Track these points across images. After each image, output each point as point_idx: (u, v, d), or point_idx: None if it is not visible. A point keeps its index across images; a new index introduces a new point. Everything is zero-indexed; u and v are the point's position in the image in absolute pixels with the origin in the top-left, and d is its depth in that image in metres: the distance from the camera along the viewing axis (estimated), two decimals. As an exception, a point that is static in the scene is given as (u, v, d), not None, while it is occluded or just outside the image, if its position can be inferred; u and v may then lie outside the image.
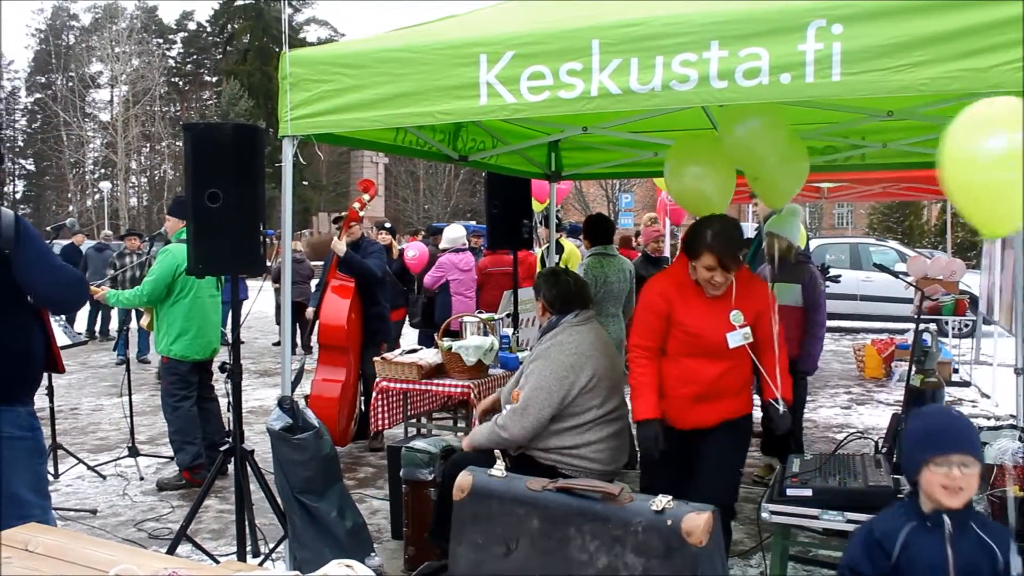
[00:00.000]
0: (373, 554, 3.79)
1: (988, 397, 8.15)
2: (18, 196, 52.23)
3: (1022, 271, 4.22)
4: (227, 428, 5.26)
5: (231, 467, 3.99)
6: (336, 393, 5.95)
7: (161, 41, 52.22)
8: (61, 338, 4.83)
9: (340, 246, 6.01)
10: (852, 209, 39.66)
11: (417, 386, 4.89)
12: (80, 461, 5.72)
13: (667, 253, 9.34)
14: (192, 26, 56.23)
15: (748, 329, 3.31)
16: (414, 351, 5.33)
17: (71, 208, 46.06)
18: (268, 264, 4.01)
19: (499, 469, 2.63)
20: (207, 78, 56.07)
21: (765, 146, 3.65)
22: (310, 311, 7.52)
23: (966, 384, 8.97)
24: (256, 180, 3.57)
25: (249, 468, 3.77)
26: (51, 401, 5.48)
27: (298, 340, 10.02)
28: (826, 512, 2.92)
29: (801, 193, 6.67)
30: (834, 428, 7.08)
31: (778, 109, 3.67)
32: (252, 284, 5.12)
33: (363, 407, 6.26)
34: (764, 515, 3.02)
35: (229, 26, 53.70)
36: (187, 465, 5.35)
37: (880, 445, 3.71)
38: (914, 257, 11.80)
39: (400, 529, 4.19)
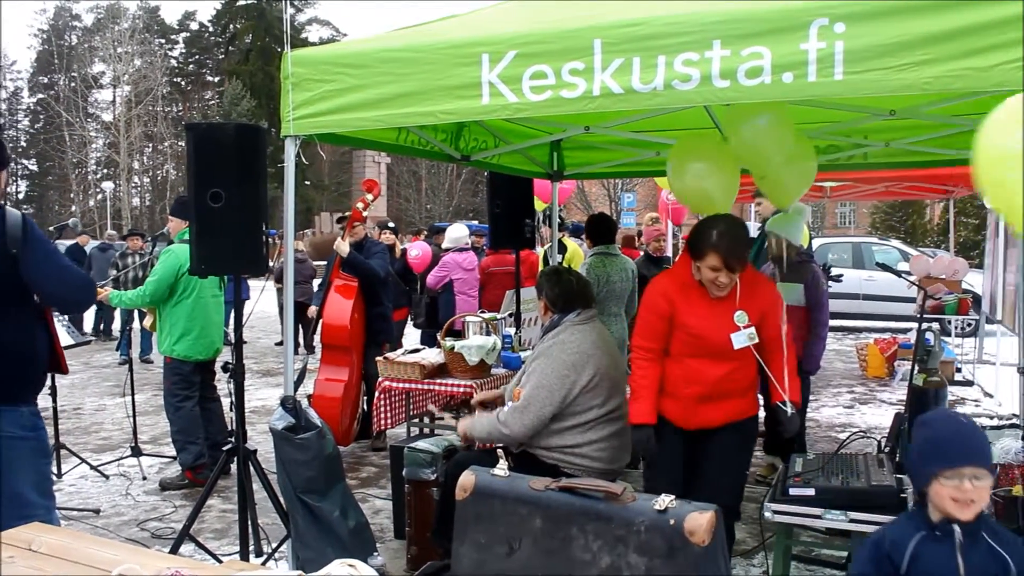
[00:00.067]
0: (376, 554, 3.79)
1: (991, 396, 8.14)
2: (21, 196, 52.31)
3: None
4: (230, 428, 5.27)
5: (234, 467, 3.99)
6: (339, 393, 5.95)
7: (163, 41, 52.32)
8: (65, 338, 4.83)
9: (343, 246, 6.01)
10: (855, 208, 39.66)
11: (420, 386, 4.89)
12: (83, 461, 5.73)
13: (668, 253, 9.33)
14: (194, 26, 56.31)
15: (753, 330, 3.26)
16: (416, 351, 5.33)
17: (74, 208, 46.16)
18: (270, 264, 4.01)
19: (502, 468, 2.63)
20: (209, 78, 56.14)
21: (772, 144, 3.63)
22: (313, 310, 7.53)
23: (969, 383, 8.97)
24: (258, 180, 3.57)
25: (252, 468, 3.77)
26: (54, 401, 5.49)
27: (300, 340, 10.03)
28: (829, 512, 2.91)
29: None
30: (837, 427, 7.07)
31: (783, 108, 3.66)
32: (254, 284, 5.11)
33: (366, 407, 6.26)
34: (767, 514, 3.01)
35: (231, 26, 53.74)
36: (190, 465, 5.36)
37: (883, 444, 3.70)
38: (917, 256, 11.79)
39: (403, 529, 4.19)
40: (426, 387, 4.89)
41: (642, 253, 7.98)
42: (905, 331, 11.09)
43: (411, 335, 8.76)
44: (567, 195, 11.44)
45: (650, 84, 2.70)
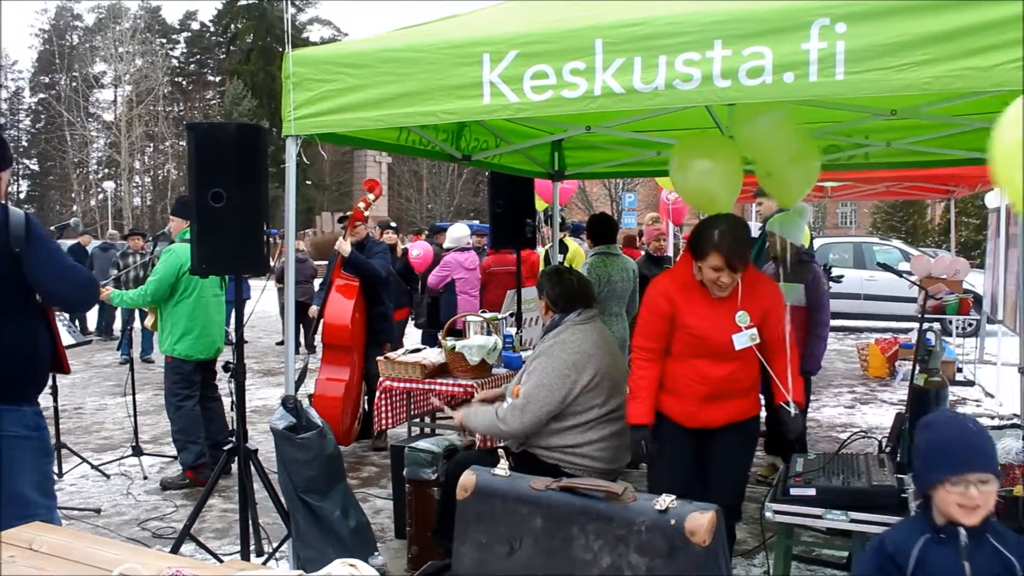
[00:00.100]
0: (376, 553, 3.79)
1: (992, 396, 8.14)
2: (22, 196, 52.36)
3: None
4: (230, 427, 5.27)
5: (235, 466, 3.99)
6: (340, 392, 5.95)
7: (164, 41, 52.37)
8: (66, 338, 4.84)
9: (345, 246, 6.02)
10: (856, 208, 39.67)
11: (420, 385, 4.89)
12: (84, 460, 5.74)
13: (669, 252, 9.33)
14: (195, 26, 56.37)
15: (755, 330, 3.24)
16: (417, 350, 5.33)
17: (75, 208, 46.21)
18: (271, 264, 4.01)
19: (503, 468, 2.62)
20: (210, 78, 56.19)
21: (780, 141, 3.62)
22: (314, 310, 7.53)
23: (970, 383, 8.96)
24: (260, 180, 3.57)
25: (253, 467, 3.77)
26: (55, 400, 5.49)
27: (301, 339, 10.03)
28: (830, 512, 2.91)
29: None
30: (838, 427, 7.07)
31: (788, 106, 3.65)
32: (255, 284, 5.12)
33: (366, 407, 6.27)
34: (767, 514, 3.01)
35: (232, 26, 53.77)
36: (191, 464, 5.36)
37: (884, 445, 3.70)
38: (918, 256, 11.78)
39: (403, 528, 4.20)
40: (427, 387, 4.89)
41: (643, 253, 7.98)
42: (906, 331, 11.09)
43: (412, 335, 8.76)
44: (568, 195, 11.43)
45: (651, 84, 2.70)
